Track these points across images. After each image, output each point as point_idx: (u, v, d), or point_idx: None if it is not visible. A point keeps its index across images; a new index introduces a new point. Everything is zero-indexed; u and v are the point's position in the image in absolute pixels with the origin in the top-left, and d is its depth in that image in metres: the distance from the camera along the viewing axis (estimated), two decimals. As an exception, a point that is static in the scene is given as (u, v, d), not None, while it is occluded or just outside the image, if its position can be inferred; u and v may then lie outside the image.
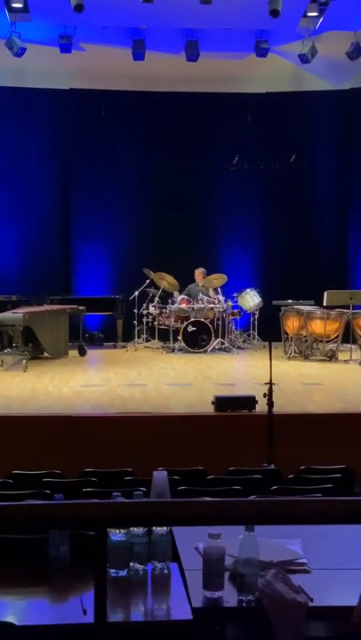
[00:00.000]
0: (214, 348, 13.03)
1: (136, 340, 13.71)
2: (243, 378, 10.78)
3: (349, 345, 12.38)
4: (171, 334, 13.35)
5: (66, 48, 13.59)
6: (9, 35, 13.09)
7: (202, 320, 13.01)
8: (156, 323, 13.51)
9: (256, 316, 13.81)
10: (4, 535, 3.22)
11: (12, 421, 7.66)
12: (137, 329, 13.72)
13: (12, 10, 12.91)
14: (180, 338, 13.02)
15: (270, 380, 6.81)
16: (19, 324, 11.35)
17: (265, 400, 6.84)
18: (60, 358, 12.38)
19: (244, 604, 2.78)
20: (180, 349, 13.10)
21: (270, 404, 6.79)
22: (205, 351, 12.87)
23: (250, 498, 3.76)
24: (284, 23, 12.90)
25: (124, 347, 13.80)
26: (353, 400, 8.96)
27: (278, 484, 5.11)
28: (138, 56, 13.79)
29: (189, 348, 12.89)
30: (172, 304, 13.30)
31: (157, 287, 13.59)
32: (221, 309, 13.25)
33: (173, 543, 3.11)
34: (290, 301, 13.13)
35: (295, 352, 12.68)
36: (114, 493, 3.42)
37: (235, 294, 13.65)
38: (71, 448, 7.17)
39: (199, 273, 13.72)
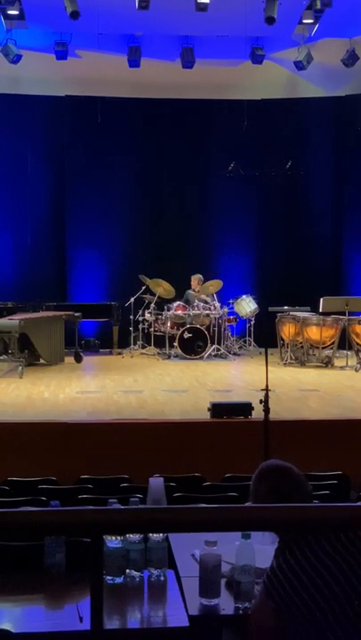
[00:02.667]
0: (210, 354, 13.03)
1: (132, 346, 13.70)
2: (239, 384, 10.77)
3: (345, 351, 12.38)
4: (167, 341, 13.34)
5: (61, 55, 13.59)
6: (4, 42, 13.11)
7: (198, 326, 13.01)
8: (151, 329, 13.50)
9: (252, 323, 13.81)
10: (-1, 542, 3.22)
11: (8, 428, 7.64)
12: (133, 335, 13.72)
13: (7, 17, 12.94)
14: (175, 344, 13.02)
15: (266, 386, 6.81)
16: (14, 330, 11.34)
17: (261, 406, 6.83)
18: (55, 365, 12.36)
19: (241, 612, 2.77)
20: (176, 356, 13.09)
21: (266, 410, 6.78)
22: (201, 358, 12.86)
23: (246, 504, 3.75)
24: (279, 30, 12.95)
25: (119, 353, 13.79)
26: (349, 406, 8.96)
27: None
28: (133, 63, 13.81)
29: (185, 355, 12.88)
30: (168, 310, 13.30)
31: (153, 294, 13.59)
32: (217, 316, 13.25)
33: (170, 550, 3.10)
34: (286, 308, 13.14)
35: (291, 358, 12.67)
36: (110, 500, 3.42)
37: (231, 301, 13.65)
38: (67, 455, 7.15)
39: (195, 279, 13.73)
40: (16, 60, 13.30)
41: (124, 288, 14.07)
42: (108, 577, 2.99)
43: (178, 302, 13.45)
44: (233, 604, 2.80)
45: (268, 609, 2.46)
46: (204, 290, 13.55)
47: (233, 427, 7.67)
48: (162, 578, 3.05)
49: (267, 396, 6.81)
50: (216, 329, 13.28)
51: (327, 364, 12.31)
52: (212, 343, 13.11)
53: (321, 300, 12.38)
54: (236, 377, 11.72)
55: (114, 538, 3.01)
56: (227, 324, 13.54)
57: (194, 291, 13.69)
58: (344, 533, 2.50)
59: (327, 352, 12.49)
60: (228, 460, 6.87)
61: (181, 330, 12.97)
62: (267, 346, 7.83)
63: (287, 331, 12.66)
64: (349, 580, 2.48)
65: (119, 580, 3.02)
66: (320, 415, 8.47)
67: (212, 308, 13.28)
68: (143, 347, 13.76)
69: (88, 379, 11.43)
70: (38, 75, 14.28)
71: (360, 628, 2.46)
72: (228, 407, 7.98)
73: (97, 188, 14.94)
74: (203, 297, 13.53)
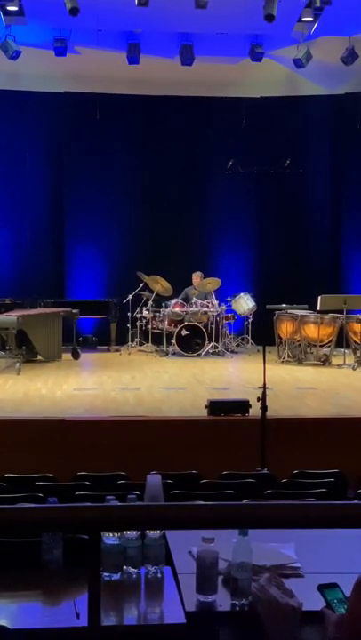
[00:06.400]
0: (208, 351, 13.04)
1: (130, 343, 13.70)
2: (236, 382, 10.78)
3: (343, 349, 12.39)
4: (164, 338, 13.34)
5: (61, 51, 13.58)
6: (4, 37, 13.09)
7: (196, 324, 13.01)
8: (149, 326, 13.51)
9: (250, 321, 13.82)
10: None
11: (5, 424, 7.65)
12: (130, 332, 13.72)
13: (7, 13, 12.91)
14: (173, 342, 13.03)
15: (264, 384, 6.82)
16: (12, 327, 11.34)
17: (258, 404, 6.84)
18: (53, 361, 12.36)
19: (238, 608, 2.78)
20: (174, 353, 13.10)
21: (264, 408, 6.79)
22: (199, 355, 12.87)
23: (243, 502, 3.76)
24: (278, 28, 12.92)
25: (117, 350, 13.79)
26: (346, 404, 8.98)
27: (271, 488, 5.11)
28: (133, 59, 13.80)
29: (183, 352, 12.89)
30: (166, 308, 13.30)
31: (151, 291, 13.59)
32: (215, 313, 13.26)
33: (167, 547, 3.10)
34: (283, 305, 13.14)
35: (289, 356, 12.69)
36: (107, 497, 3.41)
37: (228, 298, 13.65)
38: (64, 451, 7.16)
39: (196, 276, 13.72)
40: (15, 55, 13.28)
41: (122, 285, 14.07)
42: (105, 573, 2.99)
43: (176, 300, 13.45)
44: (230, 601, 2.81)
45: None
46: (202, 287, 13.55)
47: (230, 424, 7.68)
48: (159, 575, 3.05)
49: (264, 394, 6.82)
50: (214, 326, 13.28)
51: (325, 362, 12.33)
52: (210, 341, 13.12)
53: (319, 298, 12.39)
54: (233, 374, 11.74)
55: (111, 534, 3.01)
56: (225, 321, 13.55)
57: (195, 288, 13.69)
58: None
59: (325, 350, 12.51)
60: (225, 457, 6.89)
61: (179, 327, 12.98)
62: (264, 344, 7.83)
63: (285, 329, 12.68)
64: None
65: (116, 576, 3.02)
66: (317, 413, 8.48)
67: (210, 305, 13.28)
68: (141, 344, 13.77)
69: (85, 375, 11.44)
70: (37, 71, 14.26)
71: None
72: (226, 405, 7.99)
73: (95, 185, 14.93)
74: (202, 294, 13.52)
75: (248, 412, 7.64)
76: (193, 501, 4.05)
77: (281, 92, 15.07)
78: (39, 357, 12.30)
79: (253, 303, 13.52)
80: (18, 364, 11.09)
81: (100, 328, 14.59)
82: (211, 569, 2.84)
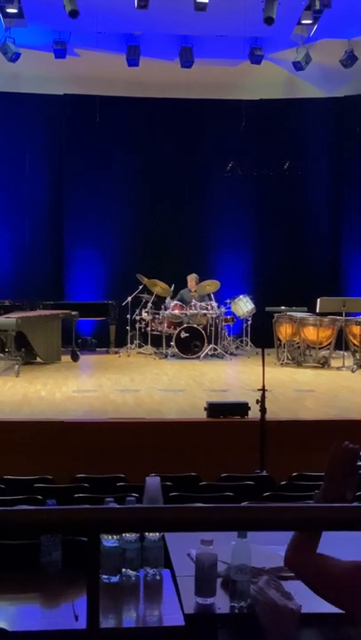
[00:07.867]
0: (207, 354, 13.03)
1: (129, 345, 13.69)
2: (235, 384, 10.77)
3: (342, 352, 12.39)
4: (164, 340, 13.34)
5: (60, 53, 13.58)
6: (3, 40, 13.09)
7: (195, 326, 13.01)
8: (148, 328, 13.50)
9: (249, 323, 13.81)
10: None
11: (4, 426, 7.64)
12: (130, 334, 13.70)
13: (6, 15, 12.93)
14: (172, 344, 13.02)
15: (263, 386, 6.81)
16: (12, 328, 11.34)
17: (257, 406, 6.83)
18: (52, 363, 12.35)
19: (237, 611, 2.78)
20: (173, 355, 13.09)
21: (263, 410, 6.79)
22: (198, 357, 12.86)
23: (242, 504, 3.75)
24: (278, 30, 12.95)
25: (116, 352, 13.78)
26: (345, 407, 8.97)
27: (270, 490, 5.11)
28: (132, 62, 13.81)
29: (182, 354, 12.88)
30: (165, 310, 13.29)
31: (150, 293, 13.58)
32: (214, 315, 13.25)
33: (166, 549, 3.11)
34: (283, 308, 13.14)
35: (288, 358, 12.68)
36: (106, 499, 3.42)
37: (228, 300, 13.65)
38: (63, 453, 7.15)
39: (192, 279, 13.72)
40: (15, 58, 13.29)
41: (122, 287, 14.07)
42: (104, 576, 2.99)
43: (175, 302, 13.44)
44: (229, 603, 2.81)
45: None
46: (200, 289, 13.54)
47: (229, 426, 7.67)
48: (158, 577, 3.05)
49: (263, 396, 6.81)
50: (213, 329, 13.28)
51: (324, 364, 12.32)
52: (209, 343, 13.11)
53: (318, 300, 12.39)
54: (232, 377, 11.73)
55: (110, 537, 3.01)
56: (224, 323, 13.54)
57: (190, 290, 13.69)
58: None
59: (324, 352, 12.50)
60: (224, 459, 6.87)
61: (178, 329, 12.97)
62: (263, 346, 7.82)
63: (284, 331, 12.67)
64: None
65: (115, 578, 3.02)
66: (316, 415, 8.47)
67: (209, 307, 13.27)
68: (140, 346, 13.76)
69: (85, 377, 11.43)
70: (37, 73, 14.27)
71: None
72: (225, 407, 7.98)
73: (95, 187, 14.93)
74: (199, 297, 13.52)
75: (247, 414, 7.64)
76: (192, 504, 4.05)
77: (280, 94, 15.09)
78: (38, 359, 12.30)
79: (253, 305, 13.51)
80: (17, 366, 11.09)
81: (100, 330, 14.59)
82: (210, 571, 2.84)
